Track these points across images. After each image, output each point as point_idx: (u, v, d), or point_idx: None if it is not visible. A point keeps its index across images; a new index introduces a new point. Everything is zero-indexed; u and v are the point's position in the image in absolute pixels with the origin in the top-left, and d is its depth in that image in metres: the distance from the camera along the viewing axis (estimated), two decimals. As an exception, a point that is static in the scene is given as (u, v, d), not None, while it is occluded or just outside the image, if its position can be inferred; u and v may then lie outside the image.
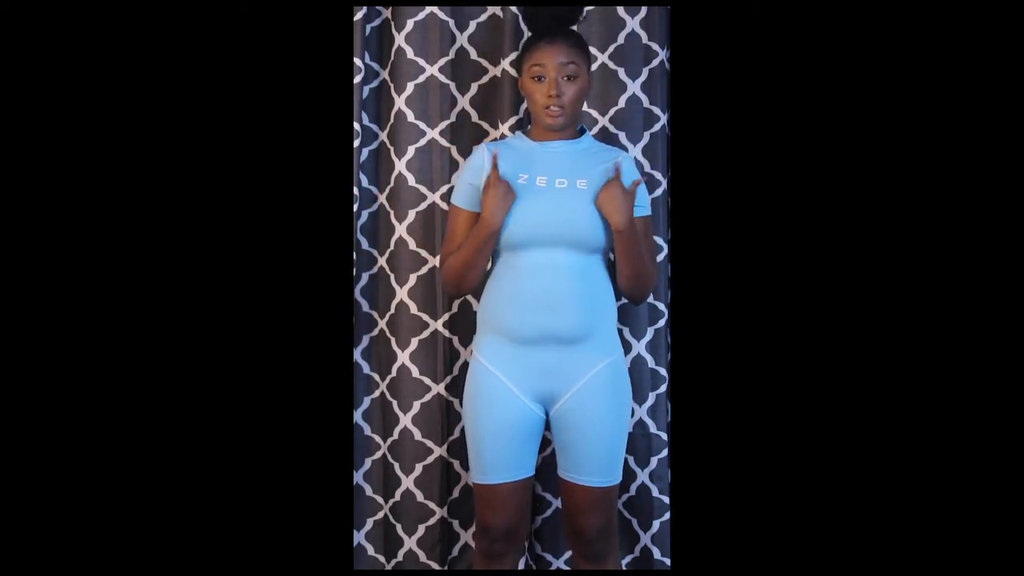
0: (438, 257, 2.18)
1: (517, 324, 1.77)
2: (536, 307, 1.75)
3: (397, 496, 2.23)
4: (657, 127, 2.15)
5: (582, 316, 1.76)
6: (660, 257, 2.15)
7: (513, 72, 2.15)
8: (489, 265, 1.86)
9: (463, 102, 2.20)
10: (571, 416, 1.79)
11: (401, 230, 2.19)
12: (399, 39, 2.17)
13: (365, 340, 2.25)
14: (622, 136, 2.16)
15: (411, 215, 2.18)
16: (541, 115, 1.81)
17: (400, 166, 2.18)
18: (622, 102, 2.16)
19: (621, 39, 2.15)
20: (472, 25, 2.20)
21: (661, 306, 2.17)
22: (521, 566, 2.19)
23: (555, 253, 1.76)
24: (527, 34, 2.16)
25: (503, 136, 2.18)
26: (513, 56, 2.15)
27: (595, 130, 2.17)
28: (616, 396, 1.82)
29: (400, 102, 2.17)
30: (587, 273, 1.78)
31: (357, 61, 2.14)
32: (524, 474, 1.83)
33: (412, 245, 2.18)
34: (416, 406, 2.20)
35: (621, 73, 2.16)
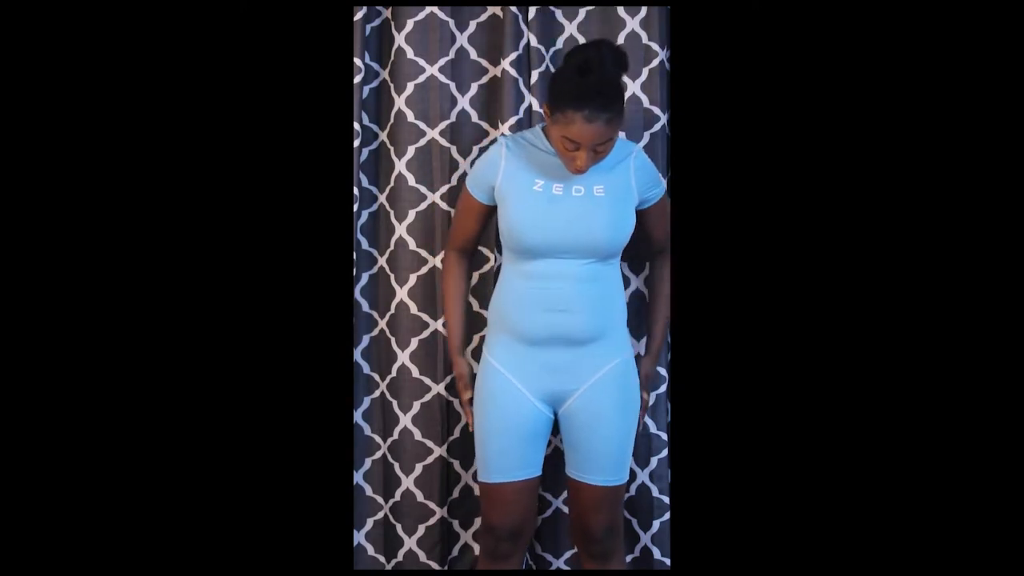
0: (439, 257, 2.17)
1: (526, 325, 1.78)
2: (546, 310, 1.76)
3: (397, 496, 2.23)
4: (657, 127, 2.15)
5: (592, 319, 1.77)
6: (660, 257, 2.15)
7: (513, 72, 2.14)
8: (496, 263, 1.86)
9: (463, 102, 2.20)
10: (580, 415, 1.79)
11: (401, 230, 2.19)
12: (399, 39, 2.17)
13: (365, 340, 2.25)
14: (622, 136, 2.16)
15: (411, 215, 2.18)
16: (566, 165, 1.73)
17: (400, 166, 2.18)
18: (622, 102, 2.16)
19: (621, 39, 2.15)
20: (472, 25, 2.20)
21: (661, 306, 2.17)
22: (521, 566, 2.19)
23: (568, 263, 1.76)
24: (530, 37, 2.15)
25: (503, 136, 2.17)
26: (513, 56, 2.15)
27: (595, 130, 2.17)
28: (625, 395, 1.82)
29: (400, 102, 2.17)
30: (599, 278, 1.79)
31: (357, 61, 2.14)
32: (530, 474, 1.83)
33: (412, 245, 2.18)
34: (416, 406, 2.20)
35: (621, 73, 2.16)
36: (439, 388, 2.19)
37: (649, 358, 1.97)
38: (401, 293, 2.19)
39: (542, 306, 1.76)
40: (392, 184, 2.20)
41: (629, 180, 1.83)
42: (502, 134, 1.94)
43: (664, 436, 2.17)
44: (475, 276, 2.20)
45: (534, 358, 1.79)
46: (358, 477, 2.27)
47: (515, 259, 1.82)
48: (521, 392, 1.80)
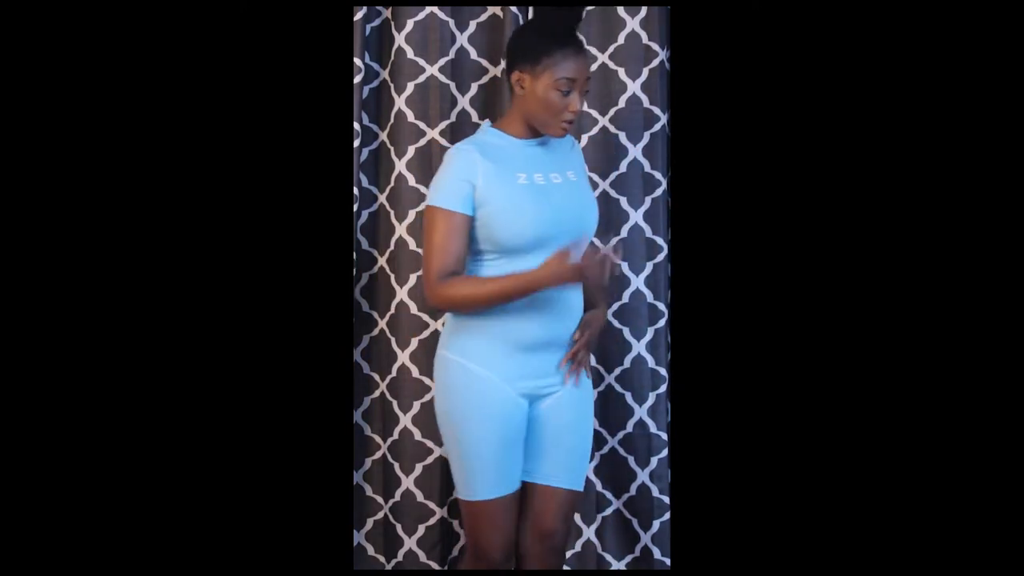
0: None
1: (524, 332, 1.67)
2: (550, 314, 1.67)
3: (397, 496, 2.23)
4: (657, 127, 2.15)
5: (578, 320, 1.75)
6: (660, 257, 2.15)
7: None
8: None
9: (463, 102, 2.20)
10: (562, 414, 1.73)
11: (401, 230, 2.19)
12: (399, 39, 2.17)
13: (365, 340, 2.25)
14: (622, 136, 2.16)
15: (411, 215, 2.18)
16: (554, 125, 1.66)
17: (400, 166, 2.18)
18: (622, 102, 2.16)
19: (621, 39, 2.15)
20: (472, 25, 2.20)
21: (661, 306, 2.17)
22: (521, 566, 2.19)
23: None
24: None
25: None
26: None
27: (595, 130, 2.17)
28: (588, 398, 1.81)
29: (400, 102, 2.17)
30: None
31: (357, 61, 2.14)
32: (519, 482, 1.73)
33: (412, 245, 2.18)
34: (416, 406, 2.20)
35: (621, 73, 2.16)
36: (439, 388, 2.19)
37: (602, 312, 1.82)
38: (401, 293, 2.19)
39: (546, 309, 1.66)
40: (392, 184, 2.20)
41: (583, 165, 1.83)
42: (455, 145, 1.80)
43: (664, 436, 2.17)
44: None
45: (519, 360, 1.68)
46: (358, 477, 2.27)
47: (498, 259, 1.68)
48: (511, 394, 1.68)
